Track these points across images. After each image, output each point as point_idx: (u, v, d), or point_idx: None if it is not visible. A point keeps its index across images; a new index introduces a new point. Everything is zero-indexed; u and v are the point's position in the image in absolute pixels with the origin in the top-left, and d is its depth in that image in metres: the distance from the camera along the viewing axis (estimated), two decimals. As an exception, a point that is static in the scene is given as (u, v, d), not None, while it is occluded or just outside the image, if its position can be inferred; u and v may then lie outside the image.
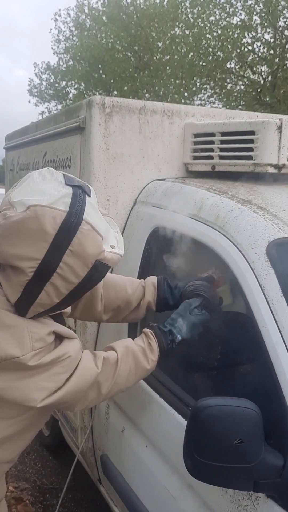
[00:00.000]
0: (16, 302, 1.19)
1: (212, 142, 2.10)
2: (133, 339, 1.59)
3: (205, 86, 19.41)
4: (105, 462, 2.09)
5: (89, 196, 1.22)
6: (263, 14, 17.02)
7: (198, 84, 19.24)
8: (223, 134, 2.06)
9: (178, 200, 1.89)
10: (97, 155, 2.06)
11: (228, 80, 19.02)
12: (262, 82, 17.86)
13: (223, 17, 17.74)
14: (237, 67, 18.46)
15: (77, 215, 1.13)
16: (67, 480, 2.10)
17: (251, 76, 18.64)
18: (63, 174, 1.23)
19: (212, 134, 2.10)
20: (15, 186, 1.24)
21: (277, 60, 17.30)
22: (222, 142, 2.06)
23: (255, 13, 17.18)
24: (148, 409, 1.74)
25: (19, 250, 1.12)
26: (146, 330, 1.59)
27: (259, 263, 1.43)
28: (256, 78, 18.35)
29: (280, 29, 16.99)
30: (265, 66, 18.11)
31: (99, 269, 1.20)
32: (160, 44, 19.11)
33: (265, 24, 17.37)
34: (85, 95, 21.17)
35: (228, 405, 1.15)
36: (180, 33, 18.90)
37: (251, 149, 1.93)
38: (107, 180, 2.10)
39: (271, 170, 1.90)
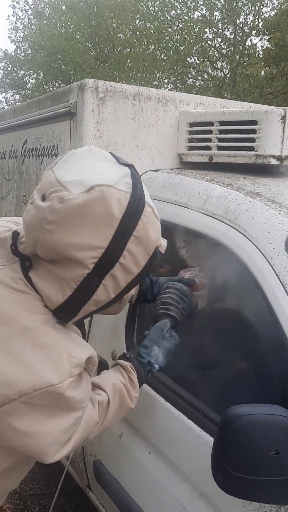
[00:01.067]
0: (64, 302, 1.02)
1: (209, 132, 2.01)
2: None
3: (166, 80, 19.39)
4: (98, 468, 1.97)
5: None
6: (224, 10, 17.15)
7: (159, 77, 19.19)
8: (222, 123, 1.97)
9: (179, 192, 1.79)
10: (89, 143, 1.93)
11: (189, 75, 19.08)
12: (223, 78, 18.01)
13: (184, 11, 17.75)
14: (198, 62, 18.54)
15: (140, 197, 1.01)
16: (58, 486, 1.98)
17: (212, 72, 18.77)
18: (110, 152, 1.08)
19: (210, 124, 2.01)
20: (54, 165, 1.06)
21: (237, 56, 17.50)
22: (220, 132, 1.98)
23: (216, 8, 17.28)
24: (152, 413, 1.64)
25: (81, 239, 0.96)
26: (124, 363, 1.36)
27: (278, 258, 1.35)
28: (217, 73, 18.49)
29: (241, 25, 17.16)
30: (226, 62, 18.28)
31: (156, 257, 1.08)
32: (121, 36, 18.90)
33: (226, 20, 17.52)
34: (44, 85, 20.67)
35: (262, 413, 1.07)
36: (142, 25, 18.76)
37: (252, 140, 1.85)
38: (99, 170, 1.97)
39: (273, 161, 1.83)
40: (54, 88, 17.91)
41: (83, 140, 1.93)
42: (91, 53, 19.66)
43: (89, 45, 19.84)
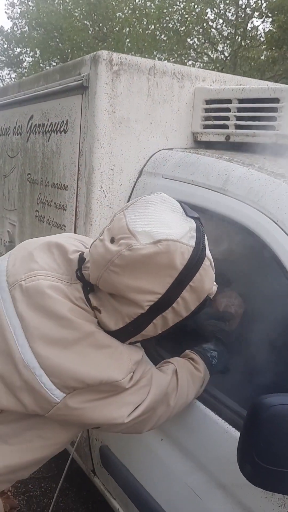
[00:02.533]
0: (116, 330, 1.13)
1: (227, 110, 1.93)
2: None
3: (165, 61, 19.07)
4: (105, 454, 1.94)
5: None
6: (226, -10, 16.82)
7: (157, 59, 18.87)
8: (241, 101, 1.89)
9: (196, 171, 1.72)
10: (102, 118, 1.84)
11: (189, 57, 18.78)
12: (223, 60, 17.75)
13: (185, -10, 17.37)
14: (198, 43, 18.24)
15: (202, 250, 1.09)
16: (64, 471, 1.95)
17: (212, 54, 18.50)
18: (179, 202, 1.16)
19: (228, 101, 1.92)
20: (126, 209, 1.13)
21: (238, 39, 17.22)
22: (239, 109, 1.89)
23: (218, -12, 16.95)
24: (166, 400, 1.59)
25: (141, 283, 1.05)
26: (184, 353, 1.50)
27: (307, 242, 1.29)
28: (217, 56, 18.22)
29: (243, 6, 16.85)
30: (226, 44, 18.00)
31: (206, 303, 1.16)
32: (120, 14, 18.51)
33: (228, 1, 17.19)
34: (41, 64, 20.29)
35: (294, 403, 1.02)
36: (142, 4, 18.37)
37: (274, 119, 1.77)
38: (112, 147, 1.89)
39: (295, 142, 1.76)
40: (51, 67, 17.58)
41: (95, 116, 1.84)
42: (89, 32, 19.27)
43: (88, 23, 19.42)
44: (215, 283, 1.18)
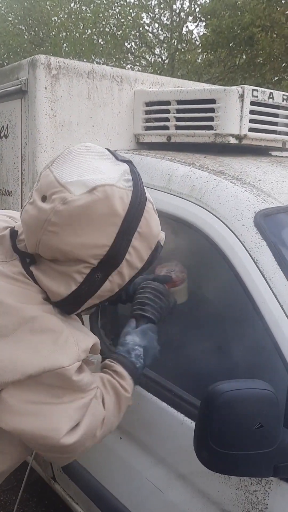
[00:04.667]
0: (69, 295, 1.03)
1: (167, 111, 1.98)
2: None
3: (104, 65, 19.10)
4: (64, 459, 1.92)
5: None
6: (160, -6, 17.10)
7: (96, 63, 18.87)
8: (179, 102, 1.94)
9: (140, 172, 1.74)
10: (43, 122, 1.84)
11: (127, 61, 18.91)
12: (161, 64, 18.02)
13: (120, -6, 17.50)
14: (135, 47, 18.42)
15: (142, 193, 1.02)
16: (23, 483, 1.91)
17: (150, 58, 18.73)
18: (106, 149, 1.08)
19: (167, 103, 1.97)
20: (51, 164, 1.04)
21: (174, 42, 17.54)
22: (178, 111, 1.95)
23: (152, -8, 17.19)
24: (122, 398, 1.61)
25: (84, 239, 0.97)
26: (103, 363, 1.30)
27: (249, 235, 1.35)
28: (155, 59, 18.47)
29: (177, 11, 17.19)
30: (163, 48, 18.29)
31: (158, 251, 1.11)
32: (56, 19, 18.37)
33: (162, 5, 17.47)
34: (-23, 70, 19.74)
35: (245, 388, 1.07)
36: (77, 8, 18.31)
37: (211, 119, 1.84)
38: (55, 151, 1.89)
39: (233, 140, 1.84)
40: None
41: (37, 120, 1.83)
42: (25, 37, 18.98)
43: (23, 28, 19.13)
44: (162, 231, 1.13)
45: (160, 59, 18.38)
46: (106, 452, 1.69)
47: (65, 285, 1.03)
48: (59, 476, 2.08)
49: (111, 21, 17.48)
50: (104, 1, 17.56)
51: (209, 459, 1.08)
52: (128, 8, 16.74)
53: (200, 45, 14.77)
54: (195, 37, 17.35)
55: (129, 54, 18.81)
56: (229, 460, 1.06)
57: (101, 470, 1.74)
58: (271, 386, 1.08)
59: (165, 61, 18.10)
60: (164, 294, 1.43)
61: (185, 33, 17.52)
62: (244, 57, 13.43)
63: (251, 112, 1.83)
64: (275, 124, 1.97)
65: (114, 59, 18.48)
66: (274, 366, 1.20)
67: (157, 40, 18.16)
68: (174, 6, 17.09)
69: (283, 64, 12.00)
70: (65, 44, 18.24)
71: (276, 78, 12.34)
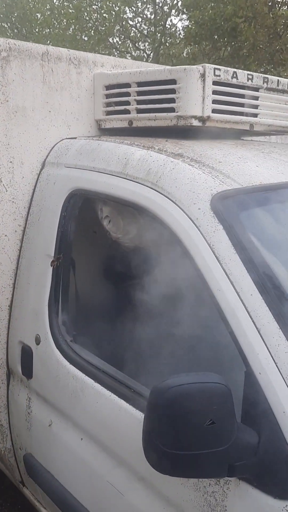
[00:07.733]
0: None
1: (127, 94, 1.88)
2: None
3: (59, 47, 18.86)
4: (29, 462, 1.83)
5: None
6: (142, -12, 16.96)
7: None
8: (139, 84, 1.84)
9: (97, 158, 1.66)
10: (-5, 108, 1.73)
11: (112, 56, 18.76)
12: (145, 58, 17.88)
13: (102, -10, 17.33)
14: (120, 42, 18.28)
15: None
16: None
17: (134, 53, 18.58)
18: None
19: (128, 85, 1.87)
20: None
21: (158, 36, 17.40)
22: (139, 93, 1.85)
23: (135, -13, 17.04)
24: (82, 397, 1.51)
25: None
26: None
27: (205, 219, 1.26)
28: (139, 54, 18.32)
29: (160, 4, 17.06)
30: (148, 43, 18.16)
31: None
32: (38, 15, 18.17)
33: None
34: None
35: (194, 382, 0.98)
36: (59, 4, 18.13)
37: (173, 100, 1.74)
38: (9, 139, 1.78)
39: (195, 123, 1.74)
40: None
41: (-12, 105, 1.73)
42: (8, 34, 18.75)
43: (5, 25, 18.91)
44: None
45: (144, 54, 18.24)
46: (68, 454, 1.60)
47: None
48: (26, 480, 1.99)
49: (93, 16, 17.32)
50: (87, -4, 17.39)
51: (158, 460, 0.99)
52: (110, 2, 16.57)
53: (183, 37, 14.65)
54: (179, 30, 17.24)
55: (113, 50, 18.64)
56: (179, 461, 0.97)
57: (64, 473, 1.65)
58: (224, 379, 0.99)
59: (150, 56, 17.96)
60: None
61: (168, 26, 17.40)
62: (228, 49, 13.33)
63: (214, 92, 1.74)
64: (241, 105, 1.88)
65: (100, 54, 18.31)
66: (232, 357, 1.11)
67: (140, 34, 18.02)
68: (157, 0, 16.96)
69: (267, 55, 11.91)
70: (48, 41, 18.05)
71: (261, 70, 12.24)
